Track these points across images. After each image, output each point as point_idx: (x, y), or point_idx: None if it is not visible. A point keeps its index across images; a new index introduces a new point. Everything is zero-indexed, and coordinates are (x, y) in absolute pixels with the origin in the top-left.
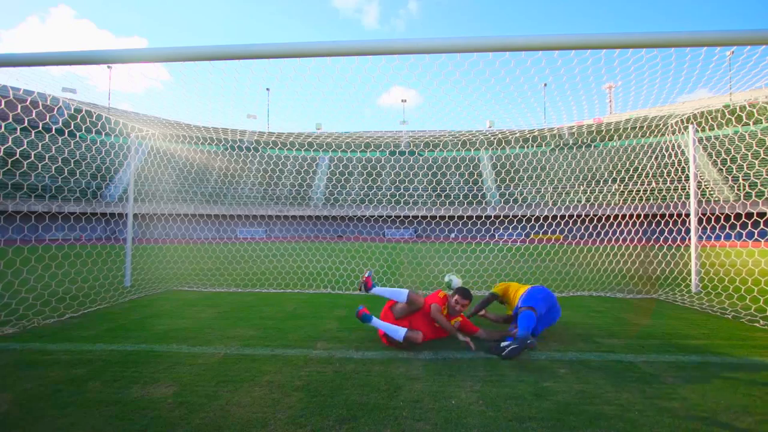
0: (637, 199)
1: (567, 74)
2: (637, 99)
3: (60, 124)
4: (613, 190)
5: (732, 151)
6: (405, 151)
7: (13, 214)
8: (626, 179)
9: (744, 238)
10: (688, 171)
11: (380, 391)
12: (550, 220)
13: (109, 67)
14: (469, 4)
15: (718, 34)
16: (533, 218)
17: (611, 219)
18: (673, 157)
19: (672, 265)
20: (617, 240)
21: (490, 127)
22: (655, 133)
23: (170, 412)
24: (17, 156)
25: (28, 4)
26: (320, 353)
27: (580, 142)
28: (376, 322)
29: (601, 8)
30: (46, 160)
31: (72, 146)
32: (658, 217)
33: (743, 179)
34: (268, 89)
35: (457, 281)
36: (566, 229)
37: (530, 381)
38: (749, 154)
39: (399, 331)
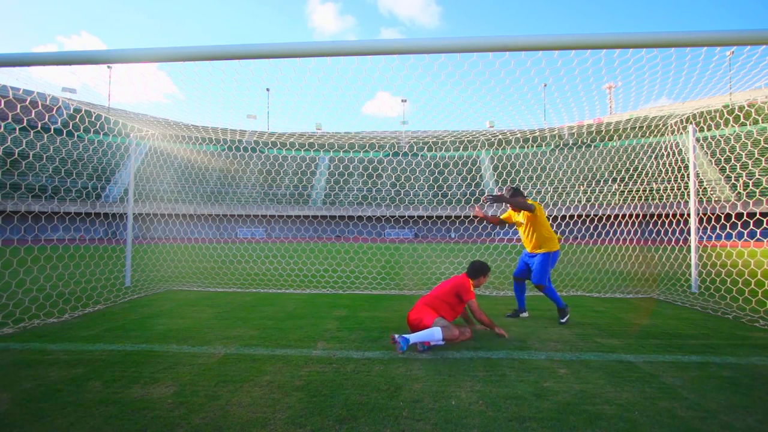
0: (636, 198)
1: (567, 74)
2: (637, 99)
3: (59, 123)
4: (613, 190)
5: (727, 151)
6: (406, 152)
7: (11, 214)
8: (626, 179)
9: (746, 237)
10: (688, 171)
11: (380, 391)
12: (550, 220)
13: (109, 67)
14: (441, 30)
15: (718, 34)
16: None
17: (611, 219)
18: (672, 157)
19: (672, 265)
20: (617, 240)
21: (490, 127)
22: (655, 133)
23: (170, 412)
24: (16, 156)
25: (48, 32)
26: (320, 353)
27: (580, 142)
28: (414, 337)
29: (601, 8)
30: (44, 160)
31: (71, 146)
32: (661, 217)
33: (744, 178)
34: (268, 89)
35: None
36: (569, 231)
37: (530, 381)
38: (743, 153)
39: (434, 333)
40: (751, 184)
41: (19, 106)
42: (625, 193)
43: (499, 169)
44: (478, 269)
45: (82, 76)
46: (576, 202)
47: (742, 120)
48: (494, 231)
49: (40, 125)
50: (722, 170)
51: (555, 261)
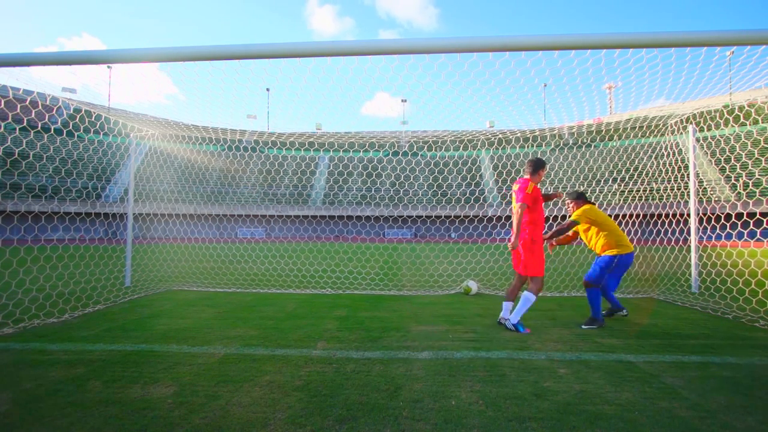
0: (635, 198)
1: (567, 74)
2: (637, 99)
3: (59, 123)
4: (613, 190)
5: (727, 151)
6: (406, 151)
7: (11, 214)
8: (627, 179)
9: (745, 237)
10: (688, 171)
11: (380, 391)
12: (550, 220)
13: (109, 67)
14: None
15: (718, 34)
16: None
17: (611, 219)
18: (672, 157)
19: (672, 266)
20: None
21: (490, 127)
22: (655, 133)
23: (170, 412)
24: (16, 156)
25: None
26: (320, 353)
27: (580, 142)
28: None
29: (601, 8)
30: (44, 160)
31: (71, 146)
32: (660, 217)
33: (744, 178)
34: (268, 89)
35: (474, 285)
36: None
37: (530, 381)
38: (743, 153)
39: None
40: (751, 185)
41: (19, 106)
42: (626, 193)
43: (500, 168)
44: (536, 164)
45: (83, 77)
46: None
47: (742, 120)
48: (495, 231)
49: (40, 125)
50: (722, 170)
51: (625, 265)
